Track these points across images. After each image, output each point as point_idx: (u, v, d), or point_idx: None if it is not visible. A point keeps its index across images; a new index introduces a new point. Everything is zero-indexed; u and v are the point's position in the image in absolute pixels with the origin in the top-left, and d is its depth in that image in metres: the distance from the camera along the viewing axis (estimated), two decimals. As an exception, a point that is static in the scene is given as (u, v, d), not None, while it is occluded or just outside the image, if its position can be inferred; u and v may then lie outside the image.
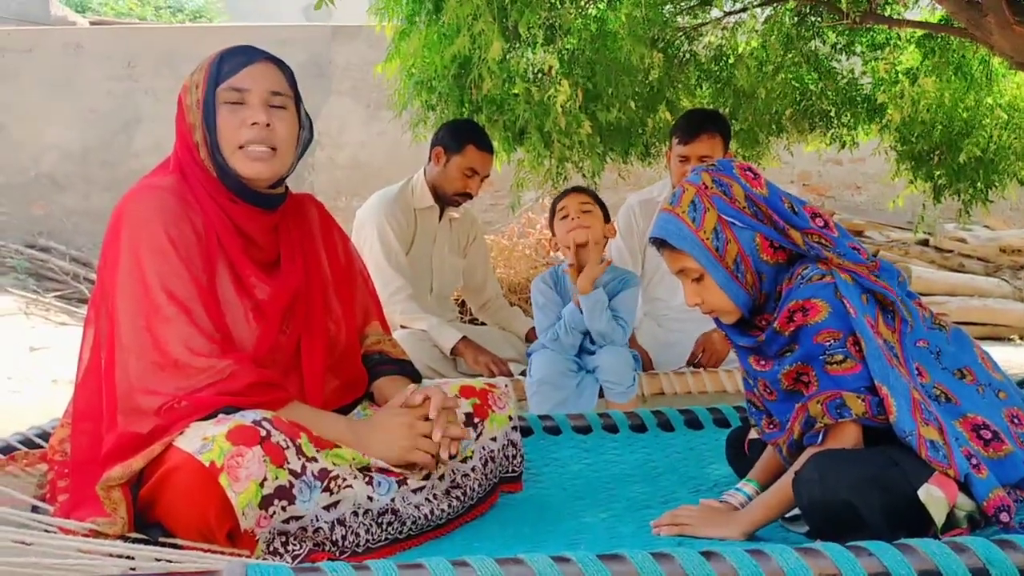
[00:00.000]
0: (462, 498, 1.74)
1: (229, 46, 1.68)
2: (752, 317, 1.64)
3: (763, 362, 1.63)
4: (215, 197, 1.63)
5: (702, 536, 1.58)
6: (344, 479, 1.51)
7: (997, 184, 3.91)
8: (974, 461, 1.45)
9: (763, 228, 1.58)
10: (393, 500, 1.59)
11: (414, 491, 1.65)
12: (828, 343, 1.50)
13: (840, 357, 1.50)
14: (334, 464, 1.51)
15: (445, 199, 3.18)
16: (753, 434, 1.93)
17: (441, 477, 1.71)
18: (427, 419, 1.65)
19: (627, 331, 2.71)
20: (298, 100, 1.71)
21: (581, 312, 2.63)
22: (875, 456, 1.46)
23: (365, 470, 1.58)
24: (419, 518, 1.63)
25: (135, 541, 1.39)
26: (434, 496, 1.69)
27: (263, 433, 1.40)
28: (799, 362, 1.55)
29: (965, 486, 1.43)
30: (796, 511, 1.63)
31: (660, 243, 1.63)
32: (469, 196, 3.19)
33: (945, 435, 1.45)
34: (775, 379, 1.60)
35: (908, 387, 1.48)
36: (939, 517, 1.40)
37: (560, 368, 2.63)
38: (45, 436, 1.87)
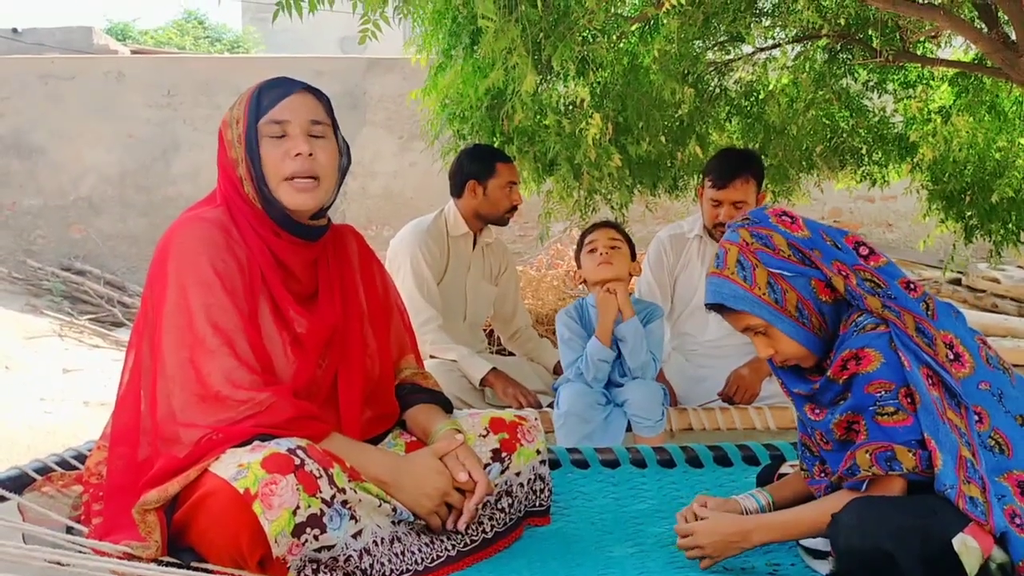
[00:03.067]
0: (465, 531, 1.73)
1: (266, 79, 1.70)
2: (824, 358, 1.63)
3: (817, 411, 1.63)
4: (258, 231, 1.66)
5: (717, 560, 1.61)
6: (368, 509, 1.53)
7: (1028, 224, 3.87)
8: (1018, 520, 1.43)
9: (814, 272, 1.57)
10: (397, 527, 1.61)
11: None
12: (879, 394, 1.49)
13: (891, 409, 1.48)
14: (364, 492, 1.53)
15: (496, 220, 3.23)
16: (785, 468, 1.92)
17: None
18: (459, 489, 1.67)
19: (657, 364, 2.72)
20: (336, 127, 1.73)
21: (615, 344, 2.64)
22: (914, 505, 1.45)
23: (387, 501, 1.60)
24: (421, 547, 1.64)
25: (168, 565, 1.40)
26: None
27: (297, 461, 1.41)
28: (850, 411, 1.54)
29: (1002, 541, 1.42)
30: (815, 544, 1.63)
31: (718, 308, 1.63)
32: (516, 208, 3.23)
33: (987, 494, 1.43)
34: (828, 429, 1.59)
35: (957, 444, 1.46)
36: (971, 567, 1.39)
37: (588, 401, 2.63)
38: (81, 457, 1.90)
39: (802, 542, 1.75)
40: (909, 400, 1.48)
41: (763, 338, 1.62)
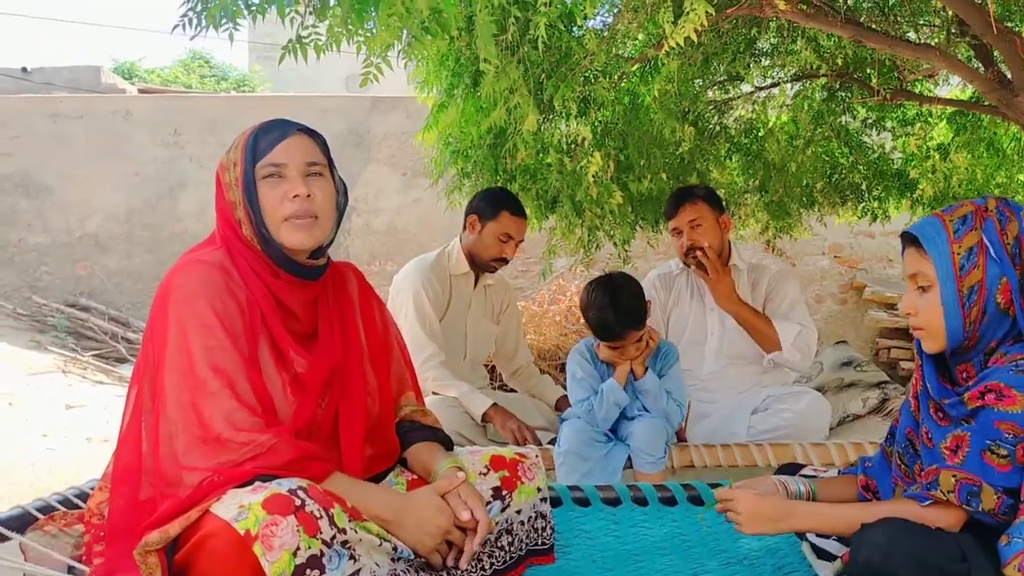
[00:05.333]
0: (473, 568, 1.73)
1: (261, 123, 1.72)
2: (952, 358, 1.61)
3: (941, 415, 1.61)
4: (258, 272, 1.67)
5: (746, 533, 1.64)
6: (368, 548, 1.52)
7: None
8: None
9: (1011, 273, 1.55)
10: (399, 562, 1.60)
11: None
12: (1006, 435, 1.46)
13: (1004, 452, 1.46)
14: (364, 532, 1.52)
15: (482, 265, 3.24)
16: (807, 471, 1.94)
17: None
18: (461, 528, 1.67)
19: (683, 409, 2.75)
20: (332, 166, 1.75)
21: (631, 390, 2.66)
22: (948, 544, 1.44)
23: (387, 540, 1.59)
24: None
25: (169, 606, 1.40)
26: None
27: (298, 502, 1.41)
28: (970, 433, 1.51)
29: None
30: (827, 544, 1.63)
31: (911, 240, 1.61)
32: (505, 261, 3.24)
33: None
34: (943, 437, 1.57)
35: None
36: None
37: (587, 439, 2.64)
38: (83, 496, 1.91)
39: (813, 541, 1.75)
40: None
41: (918, 294, 1.59)
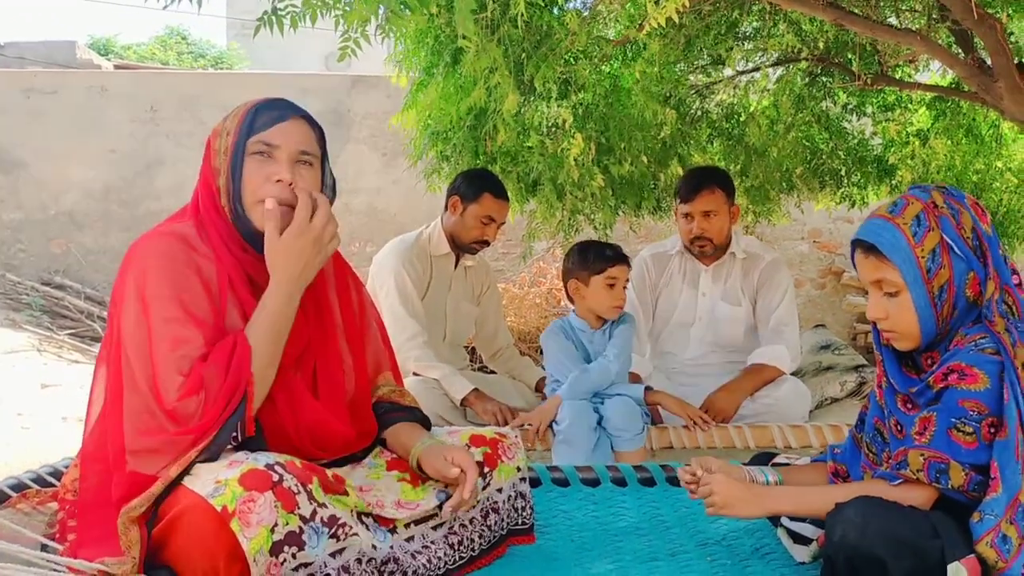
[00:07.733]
0: (457, 547, 1.73)
1: (266, 98, 1.69)
2: (922, 351, 1.61)
3: (910, 406, 1.61)
4: (229, 245, 1.64)
5: (722, 515, 1.66)
6: (350, 526, 1.51)
7: (1007, 247, 3.93)
8: None
9: (977, 266, 1.54)
10: (392, 548, 1.59)
11: (407, 540, 1.65)
12: (971, 412, 1.47)
13: (970, 429, 1.47)
14: (341, 507, 1.51)
15: (463, 247, 3.22)
16: (779, 459, 1.95)
17: (437, 527, 1.71)
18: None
19: (622, 366, 2.79)
20: (324, 159, 1.72)
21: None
22: (920, 521, 1.45)
23: (365, 515, 1.58)
24: (418, 568, 1.63)
25: (144, 583, 1.39)
26: (431, 543, 1.69)
27: (275, 478, 1.40)
28: (935, 413, 1.52)
29: None
30: (802, 528, 1.64)
31: (867, 248, 1.58)
32: (486, 243, 3.23)
33: None
34: (911, 423, 1.58)
35: (1020, 488, 1.44)
36: None
37: (587, 424, 2.65)
38: (57, 474, 1.89)
39: (788, 525, 1.77)
40: (990, 431, 1.47)
41: (885, 299, 1.58)
